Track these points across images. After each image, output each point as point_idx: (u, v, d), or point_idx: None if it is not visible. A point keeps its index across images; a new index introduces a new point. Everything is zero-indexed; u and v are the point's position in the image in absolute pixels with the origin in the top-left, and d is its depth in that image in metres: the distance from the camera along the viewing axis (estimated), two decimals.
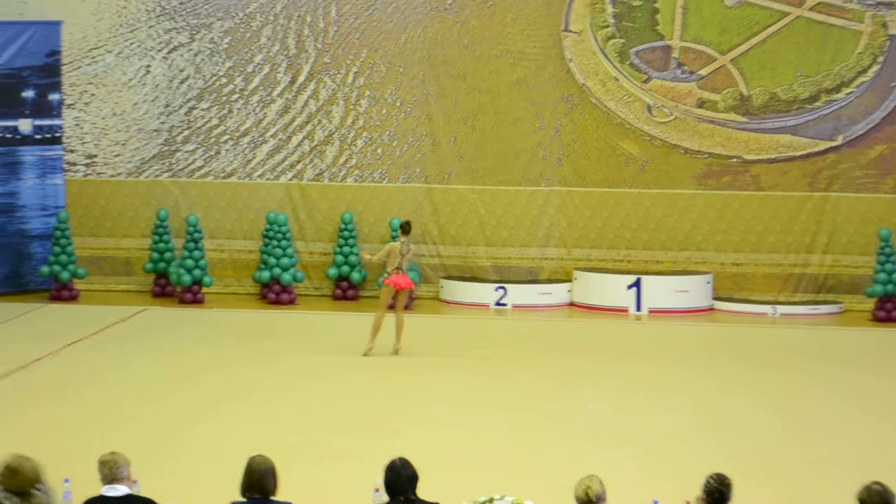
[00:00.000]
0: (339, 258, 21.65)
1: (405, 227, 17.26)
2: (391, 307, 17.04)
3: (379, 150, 22.26)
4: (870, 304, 21.17)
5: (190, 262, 20.89)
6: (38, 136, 21.86)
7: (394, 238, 17.76)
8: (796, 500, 11.24)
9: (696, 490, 7.45)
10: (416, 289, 21.34)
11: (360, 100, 22.25)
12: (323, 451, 12.25)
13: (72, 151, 22.37)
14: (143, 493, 7.76)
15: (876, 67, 21.78)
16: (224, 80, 22.37)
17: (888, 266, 20.95)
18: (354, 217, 21.86)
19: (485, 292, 21.56)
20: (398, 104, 22.23)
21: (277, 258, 21.13)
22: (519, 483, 10.16)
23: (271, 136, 22.34)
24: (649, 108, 22.05)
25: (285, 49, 22.32)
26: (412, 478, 7.30)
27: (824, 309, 21.45)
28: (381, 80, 22.22)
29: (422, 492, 7.36)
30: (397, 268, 16.88)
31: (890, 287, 20.93)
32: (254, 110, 22.32)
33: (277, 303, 21.11)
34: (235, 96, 22.35)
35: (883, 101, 21.75)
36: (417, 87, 22.18)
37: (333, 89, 22.26)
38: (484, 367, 16.68)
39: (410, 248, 17.17)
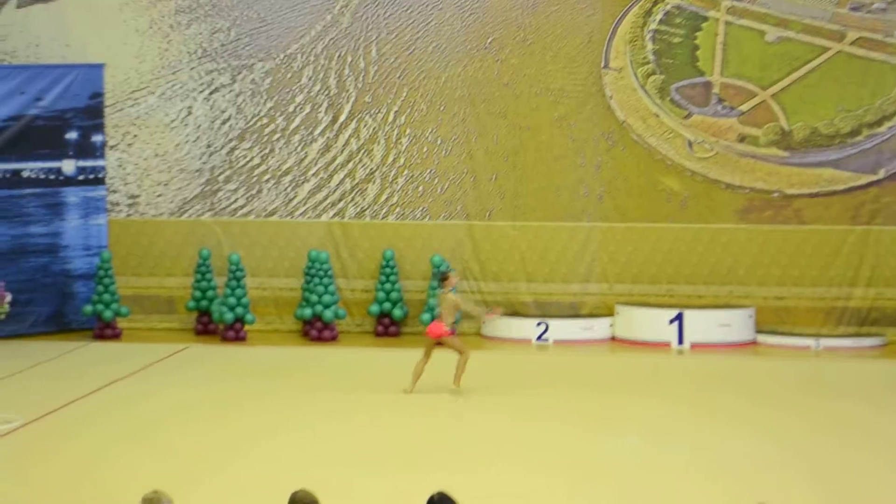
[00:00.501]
0: (381, 295, 21.79)
1: (438, 278, 17.64)
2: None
3: (420, 188, 22.44)
4: None
5: (232, 300, 21.08)
6: (81, 178, 22.18)
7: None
8: None
9: None
10: (458, 325, 21.43)
11: (401, 138, 22.47)
12: (359, 488, 12.26)
13: (115, 192, 22.69)
14: None
15: None
16: (266, 121, 22.65)
17: None
18: (396, 254, 22.00)
19: (526, 328, 21.64)
20: (439, 142, 22.42)
21: (319, 295, 21.28)
22: None
23: (313, 174, 22.58)
24: (690, 144, 22.13)
25: (326, 89, 22.58)
26: None
27: (868, 342, 21.37)
28: (421, 118, 22.43)
29: None
30: (439, 315, 17.38)
31: None
32: (295, 149, 22.58)
33: (319, 339, 21.26)
34: (277, 136, 22.62)
35: None
36: (458, 125, 22.37)
37: (374, 128, 22.49)
38: (524, 406, 16.64)
39: (445, 296, 17.27)
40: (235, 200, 22.63)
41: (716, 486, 12.48)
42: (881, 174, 21.84)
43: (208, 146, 22.67)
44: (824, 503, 12.08)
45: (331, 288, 21.41)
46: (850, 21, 21.99)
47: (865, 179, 21.87)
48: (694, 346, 21.23)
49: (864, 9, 21.99)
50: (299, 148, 22.57)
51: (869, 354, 20.96)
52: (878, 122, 21.88)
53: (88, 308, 21.52)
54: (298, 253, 22.10)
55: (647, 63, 22.23)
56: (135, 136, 22.75)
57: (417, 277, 21.84)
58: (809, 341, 21.23)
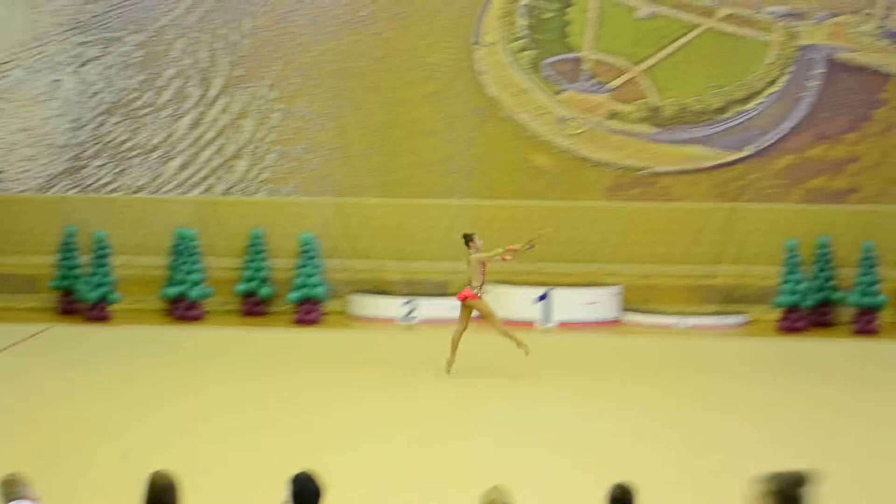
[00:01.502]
0: (249, 273, 22.00)
1: (465, 238, 17.35)
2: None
3: (291, 164, 22.58)
4: (777, 315, 21.59)
5: (97, 279, 21.22)
6: None
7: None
8: None
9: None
10: (326, 304, 21.75)
11: (273, 113, 22.56)
12: (221, 464, 12.61)
13: None
14: None
15: (785, 78, 22.17)
16: (136, 95, 22.65)
17: (795, 276, 21.39)
18: (265, 231, 22.17)
19: (394, 306, 21.94)
20: (311, 117, 22.54)
21: (186, 273, 21.47)
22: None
23: (181, 150, 22.66)
24: (560, 121, 22.39)
25: (197, 62, 22.60)
26: (316, 493, 7.34)
27: (731, 320, 21.86)
28: (294, 92, 22.54)
29: None
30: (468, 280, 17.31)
31: (796, 297, 21.37)
32: (164, 125, 22.62)
33: (185, 318, 21.47)
34: (146, 111, 22.65)
35: (791, 112, 22.15)
36: (331, 100, 22.50)
37: (246, 103, 22.56)
38: (388, 381, 17.08)
39: (469, 258, 17.33)
40: (102, 177, 22.69)
41: (583, 462, 12.86)
42: (748, 151, 22.25)
43: (76, 121, 22.68)
44: (694, 474, 12.57)
45: (198, 266, 21.62)
46: None
47: (733, 156, 22.29)
48: (561, 324, 21.61)
49: None
50: (169, 123, 22.63)
51: (733, 332, 21.44)
52: (747, 99, 22.25)
53: None
54: (166, 230, 22.21)
55: (519, 38, 22.42)
56: (1, 109, 22.71)
57: (286, 255, 22.01)
58: (674, 319, 21.69)
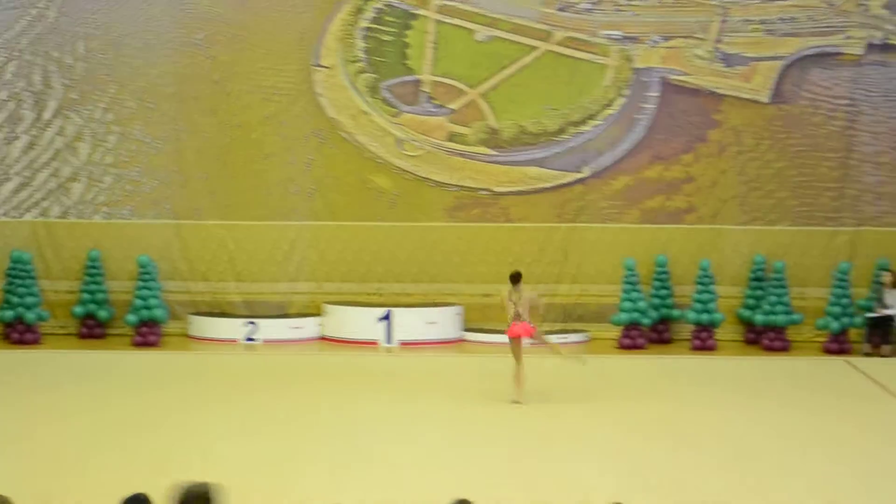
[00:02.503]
0: (86, 296, 23.26)
1: (512, 278, 18.25)
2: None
3: (128, 187, 23.94)
4: (616, 332, 23.47)
5: None
6: None
7: None
8: None
9: None
10: (165, 326, 23.09)
11: (109, 136, 23.91)
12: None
13: None
14: None
15: (621, 101, 24.15)
16: None
17: (633, 294, 23.29)
18: (102, 254, 23.46)
19: (234, 327, 23.36)
20: (148, 140, 23.94)
21: (21, 297, 22.68)
22: None
23: (15, 172, 23.89)
24: (400, 142, 24.12)
25: (31, 85, 23.89)
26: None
27: (573, 337, 23.66)
28: (130, 115, 23.90)
29: None
30: (515, 315, 18.06)
31: (635, 315, 23.25)
32: None
33: (21, 342, 22.63)
34: None
35: (628, 134, 24.11)
36: (168, 123, 23.92)
37: (81, 125, 23.89)
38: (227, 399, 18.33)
39: (522, 294, 18.12)
40: None
41: (421, 481, 13.86)
42: (586, 172, 24.16)
43: None
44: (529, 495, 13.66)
45: (33, 289, 22.83)
46: (557, 21, 24.25)
47: (571, 177, 24.17)
48: (402, 343, 23.21)
49: (570, 9, 24.26)
50: (2, 145, 23.86)
51: (574, 350, 23.17)
52: (584, 121, 24.18)
53: None
54: (1, 253, 23.38)
55: (358, 61, 24.12)
56: None
57: (124, 278, 23.31)
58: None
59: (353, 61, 24.11)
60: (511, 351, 18.22)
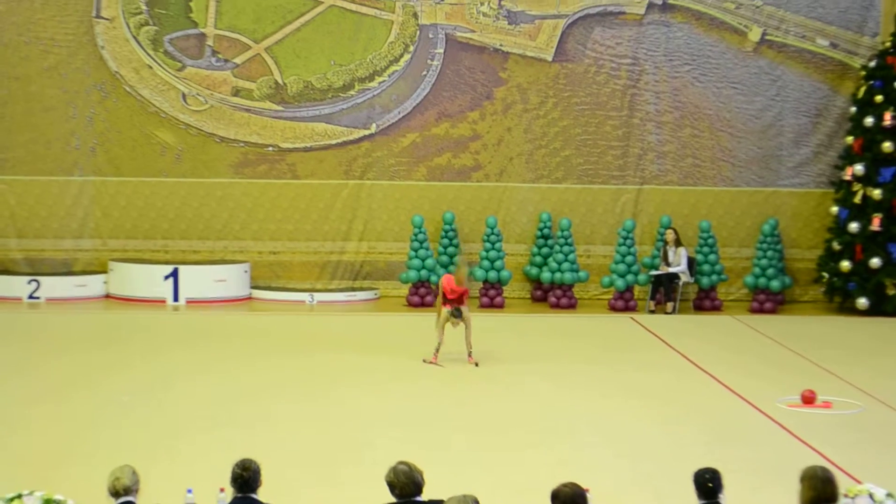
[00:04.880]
0: None
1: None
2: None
3: None
4: (405, 290, 27.54)
5: None
6: None
7: None
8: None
9: None
10: None
11: None
12: None
13: None
14: None
15: (407, 57, 28.16)
16: None
17: (421, 252, 27.23)
18: None
19: (17, 285, 26.62)
20: None
21: None
22: (55, 478, 12.50)
23: None
24: (184, 97, 27.80)
25: None
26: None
27: (361, 295, 27.71)
28: None
29: None
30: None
31: (423, 273, 27.27)
32: None
33: None
34: None
35: (414, 91, 28.12)
36: None
37: None
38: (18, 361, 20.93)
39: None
40: None
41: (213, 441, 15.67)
42: (373, 129, 28.14)
43: None
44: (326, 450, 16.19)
45: None
46: None
47: (358, 134, 28.09)
48: (189, 301, 26.79)
49: None
50: None
51: (363, 308, 27.21)
52: (370, 77, 28.15)
53: None
54: None
55: (140, 13, 27.64)
56: None
57: None
58: (304, 296, 27.26)
59: (135, 13, 27.61)
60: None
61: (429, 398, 18.71)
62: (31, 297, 26.52)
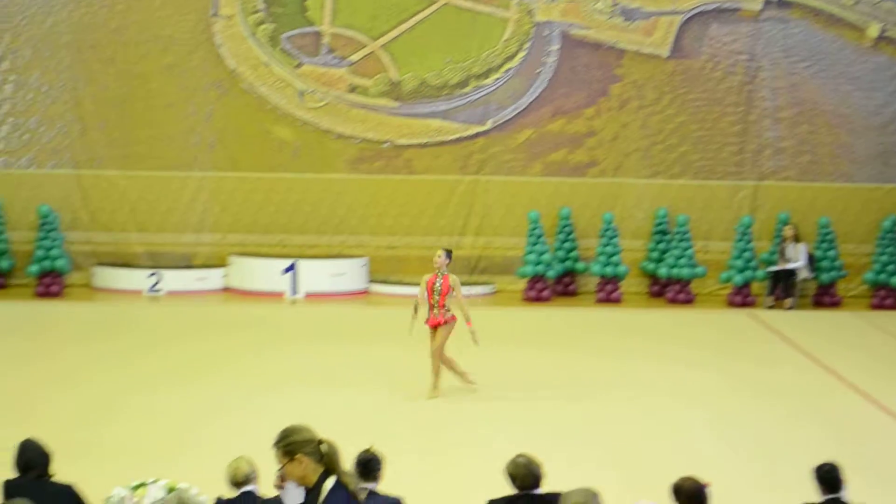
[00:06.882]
0: None
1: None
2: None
3: (26, 136, 27.26)
4: (521, 285, 27.27)
5: None
6: None
7: None
8: None
9: None
10: (68, 277, 26.50)
11: (5, 84, 27.18)
12: None
13: None
14: None
15: (522, 54, 27.96)
16: None
17: (538, 247, 27.08)
18: (3, 204, 26.68)
19: (138, 279, 26.73)
20: (44, 89, 27.20)
21: None
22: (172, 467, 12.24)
23: None
24: (301, 94, 27.78)
25: None
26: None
27: (477, 290, 27.41)
28: (25, 64, 27.12)
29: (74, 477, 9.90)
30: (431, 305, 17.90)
31: (540, 267, 27.04)
32: None
33: None
34: None
35: (529, 87, 27.93)
36: (65, 71, 27.17)
37: None
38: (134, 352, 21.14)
39: (445, 279, 17.95)
40: None
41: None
42: (488, 125, 27.97)
43: None
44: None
45: None
46: None
47: (473, 130, 27.93)
48: (308, 295, 26.76)
49: None
50: None
51: (480, 302, 26.97)
52: (485, 74, 27.97)
53: None
54: None
55: (257, 11, 27.62)
56: None
57: (24, 228, 26.57)
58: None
59: (253, 12, 27.60)
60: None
61: (548, 395, 18.52)
62: (151, 289, 26.51)
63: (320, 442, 7.57)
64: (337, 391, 18.19)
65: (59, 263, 26.09)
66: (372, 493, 9.73)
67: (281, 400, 17.37)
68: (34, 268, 26.01)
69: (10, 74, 27.13)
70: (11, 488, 9.37)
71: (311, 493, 7.56)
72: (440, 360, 17.94)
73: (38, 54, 27.15)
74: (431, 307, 17.85)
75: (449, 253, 18.24)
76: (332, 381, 18.85)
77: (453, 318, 17.87)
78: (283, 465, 7.57)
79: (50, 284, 25.99)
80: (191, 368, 19.60)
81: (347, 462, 9.63)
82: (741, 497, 13.02)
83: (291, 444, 7.54)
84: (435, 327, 17.85)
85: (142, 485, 9.76)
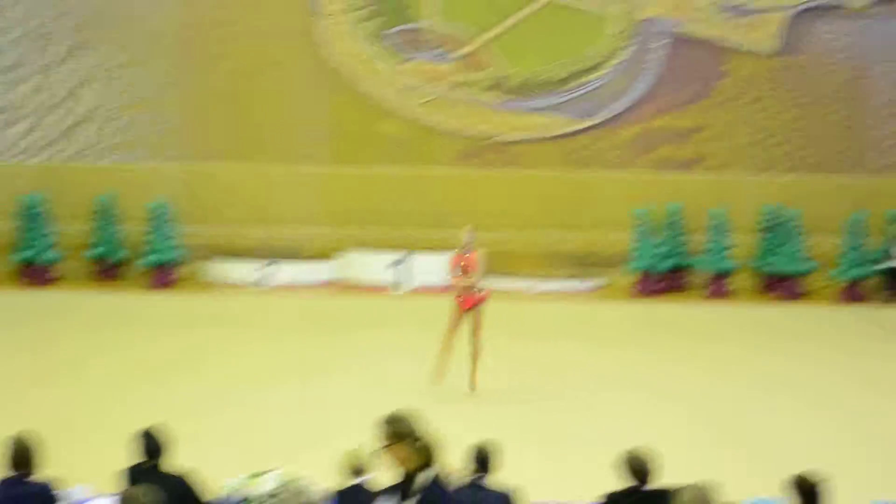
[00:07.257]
0: (100, 238, 26.62)
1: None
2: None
3: (138, 130, 27.26)
4: (631, 280, 27.08)
5: None
6: None
7: None
8: None
9: None
10: (180, 268, 26.55)
11: (120, 78, 27.25)
12: None
13: None
14: None
15: (628, 50, 27.90)
16: None
17: (646, 242, 26.86)
18: (115, 197, 26.80)
19: (248, 270, 26.70)
20: (158, 83, 27.29)
21: (34, 238, 25.99)
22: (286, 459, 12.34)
23: (25, 115, 27.22)
24: (407, 90, 27.76)
25: (40, 27, 27.15)
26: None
27: (586, 284, 27.27)
28: (140, 58, 27.28)
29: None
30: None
31: (650, 262, 26.78)
32: (6, 89, 27.15)
33: (36, 283, 25.88)
34: None
35: (634, 83, 27.85)
36: (175, 66, 27.32)
37: (89, 68, 27.17)
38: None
39: (472, 255, 18.21)
40: None
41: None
42: (595, 120, 27.87)
43: None
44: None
45: (46, 231, 26.17)
46: None
47: (579, 125, 27.88)
48: (419, 288, 26.53)
49: None
50: (10, 87, 27.15)
51: (586, 297, 26.80)
52: (591, 70, 27.92)
53: None
54: (9, 195, 26.50)
55: (362, 8, 27.77)
56: None
57: (138, 220, 26.61)
58: (525, 284, 26.95)
59: (356, 9, 27.70)
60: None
61: (652, 388, 18.59)
62: (261, 281, 26.39)
63: (424, 435, 7.83)
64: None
65: (171, 255, 26.15)
66: (477, 486, 9.90)
67: (391, 396, 16.72)
68: (147, 259, 26.03)
69: (125, 69, 27.26)
70: (135, 474, 9.73)
71: (405, 482, 7.87)
72: (478, 347, 17.65)
73: (152, 48, 27.37)
74: (462, 288, 17.66)
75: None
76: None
77: (485, 296, 17.81)
78: (387, 446, 7.85)
79: (162, 276, 26.03)
80: (300, 363, 19.84)
81: (462, 455, 10.02)
82: (867, 492, 12.71)
83: (401, 428, 7.82)
84: (468, 308, 17.65)
85: (257, 475, 10.15)
